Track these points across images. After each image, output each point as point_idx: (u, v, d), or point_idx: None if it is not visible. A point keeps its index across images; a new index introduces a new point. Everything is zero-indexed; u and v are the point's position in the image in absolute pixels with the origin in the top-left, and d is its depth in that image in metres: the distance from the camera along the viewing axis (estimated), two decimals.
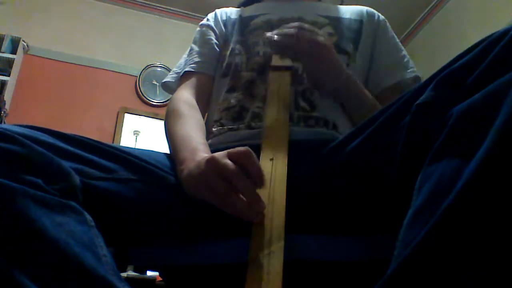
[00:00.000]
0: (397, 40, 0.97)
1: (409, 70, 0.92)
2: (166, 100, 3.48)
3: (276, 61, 0.84)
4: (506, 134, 0.36)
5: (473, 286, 0.35)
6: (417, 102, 0.50)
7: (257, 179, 0.57)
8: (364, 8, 1.01)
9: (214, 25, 1.02)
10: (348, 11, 0.99)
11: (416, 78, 0.92)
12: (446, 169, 0.41)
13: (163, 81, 1.02)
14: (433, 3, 3.59)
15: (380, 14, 1.00)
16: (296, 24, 0.83)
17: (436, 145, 0.44)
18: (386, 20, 0.99)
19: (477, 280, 0.35)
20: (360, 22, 0.97)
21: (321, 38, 0.82)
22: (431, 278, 0.37)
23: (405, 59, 0.94)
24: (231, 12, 1.05)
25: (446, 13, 3.49)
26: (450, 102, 0.45)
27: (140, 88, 3.53)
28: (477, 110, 0.41)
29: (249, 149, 0.58)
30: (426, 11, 3.67)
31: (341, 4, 1.05)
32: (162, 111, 3.45)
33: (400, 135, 0.53)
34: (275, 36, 0.83)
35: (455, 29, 3.29)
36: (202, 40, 1.00)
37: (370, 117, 0.64)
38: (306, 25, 0.83)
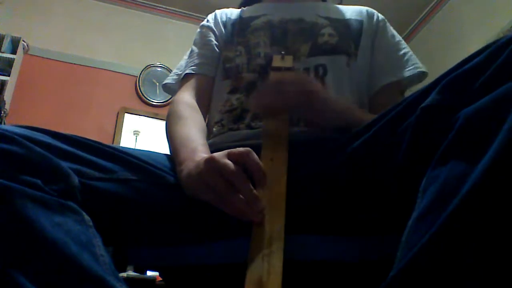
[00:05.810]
0: (399, 38, 0.96)
1: (409, 68, 0.90)
2: (166, 100, 3.48)
3: (276, 62, 0.84)
4: None
5: None
6: (422, 105, 0.49)
7: (259, 177, 0.57)
8: (364, 8, 1.00)
9: (214, 26, 1.02)
10: (348, 11, 0.99)
11: (421, 75, 0.90)
12: (452, 173, 0.40)
13: (164, 82, 1.02)
14: (433, 3, 3.59)
15: (379, 14, 1.00)
16: (273, 80, 0.76)
17: (442, 148, 0.44)
18: (386, 20, 0.99)
19: (480, 284, 0.35)
20: (360, 22, 0.97)
21: (306, 87, 0.74)
22: (434, 281, 0.36)
23: (406, 57, 0.93)
24: (231, 13, 1.05)
25: (446, 13, 3.48)
26: (456, 106, 0.45)
27: (140, 88, 3.53)
28: (485, 114, 0.40)
29: (250, 149, 0.58)
30: (426, 11, 3.67)
31: (340, 4, 1.04)
32: (162, 111, 3.45)
33: (402, 137, 0.53)
34: (258, 99, 0.76)
35: (455, 29, 3.29)
36: (202, 42, 1.00)
37: (373, 119, 0.64)
38: (286, 77, 0.76)
